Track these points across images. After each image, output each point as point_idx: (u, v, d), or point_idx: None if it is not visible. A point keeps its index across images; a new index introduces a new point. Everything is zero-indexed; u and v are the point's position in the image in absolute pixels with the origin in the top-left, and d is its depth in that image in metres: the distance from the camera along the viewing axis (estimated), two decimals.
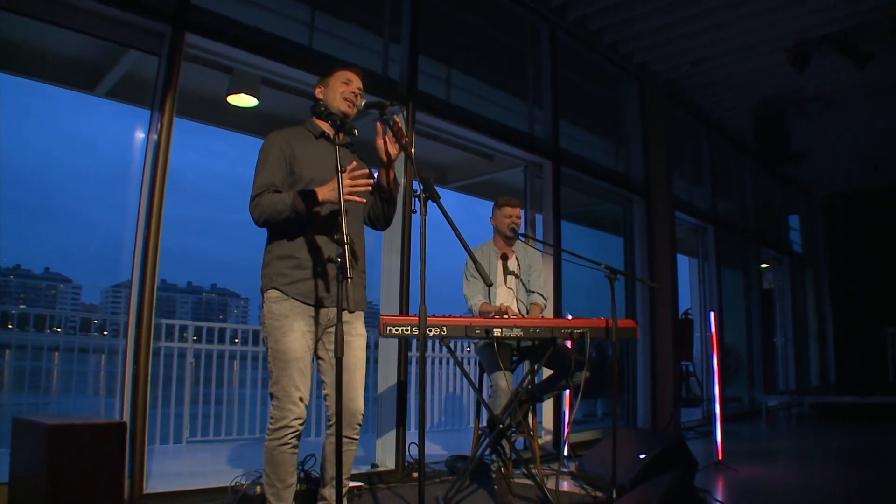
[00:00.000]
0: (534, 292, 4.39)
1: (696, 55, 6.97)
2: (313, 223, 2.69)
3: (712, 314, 5.25)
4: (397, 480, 4.55)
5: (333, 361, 2.75)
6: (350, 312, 2.72)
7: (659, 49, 6.97)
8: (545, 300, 4.40)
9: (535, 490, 3.92)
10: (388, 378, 4.83)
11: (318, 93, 2.92)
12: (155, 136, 3.70)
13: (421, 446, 2.59)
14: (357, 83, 2.90)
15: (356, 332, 2.82)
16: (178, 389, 6.22)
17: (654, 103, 7.57)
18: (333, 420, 2.71)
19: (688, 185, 8.88)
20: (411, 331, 3.51)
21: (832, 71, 6.95)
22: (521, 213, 4.44)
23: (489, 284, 2.36)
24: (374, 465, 4.77)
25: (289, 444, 2.65)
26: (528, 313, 4.35)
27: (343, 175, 2.45)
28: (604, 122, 7.76)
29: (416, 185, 4.11)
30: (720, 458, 5.02)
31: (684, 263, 9.71)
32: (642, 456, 3.88)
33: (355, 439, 2.79)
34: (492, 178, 7.57)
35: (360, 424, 2.77)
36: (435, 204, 2.32)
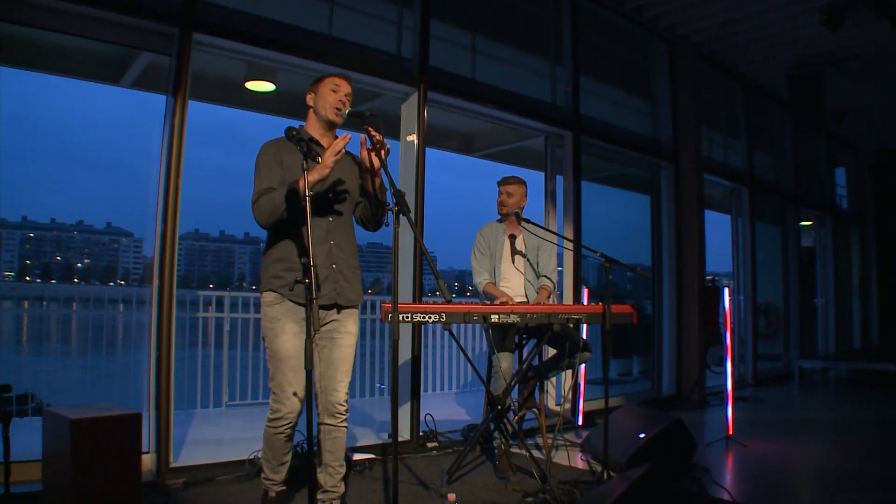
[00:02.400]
0: (543, 276, 4.48)
1: (726, 16, 6.76)
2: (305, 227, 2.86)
3: (726, 290, 5.24)
4: (411, 451, 4.77)
5: (322, 356, 2.97)
6: (337, 311, 2.94)
7: (687, 11, 6.77)
8: (553, 283, 4.48)
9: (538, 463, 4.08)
10: (403, 353, 5.02)
11: (309, 99, 3.05)
12: (169, 130, 3.90)
13: (395, 432, 2.76)
14: (345, 89, 3.00)
15: (345, 330, 3.01)
16: (216, 357, 6.52)
17: (683, 66, 7.40)
18: (320, 409, 3.00)
19: (723, 141, 8.72)
20: (411, 318, 3.70)
21: (870, 31, 6.66)
22: (518, 189, 4.45)
23: (448, 300, 2.48)
24: (390, 436, 5.00)
25: (284, 433, 2.93)
26: (536, 295, 4.46)
27: (326, 152, 2.66)
28: (632, 87, 7.64)
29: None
30: (730, 432, 5.06)
31: (724, 221, 9.56)
32: (642, 435, 4.00)
33: (342, 427, 3.02)
34: (518, 146, 7.58)
35: (341, 414, 2.99)
36: (406, 218, 2.44)
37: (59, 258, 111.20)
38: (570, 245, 5.86)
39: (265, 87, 5.22)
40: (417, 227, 5.04)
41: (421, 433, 4.99)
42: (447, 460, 4.42)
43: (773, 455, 4.79)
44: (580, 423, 5.71)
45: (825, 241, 10.89)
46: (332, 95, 2.97)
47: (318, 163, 2.61)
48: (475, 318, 3.76)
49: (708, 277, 7.47)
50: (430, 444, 4.90)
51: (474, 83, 5.69)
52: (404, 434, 4.94)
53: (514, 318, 3.79)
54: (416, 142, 5.07)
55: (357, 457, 4.31)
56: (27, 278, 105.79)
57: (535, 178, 6.68)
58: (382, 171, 2.70)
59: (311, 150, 2.51)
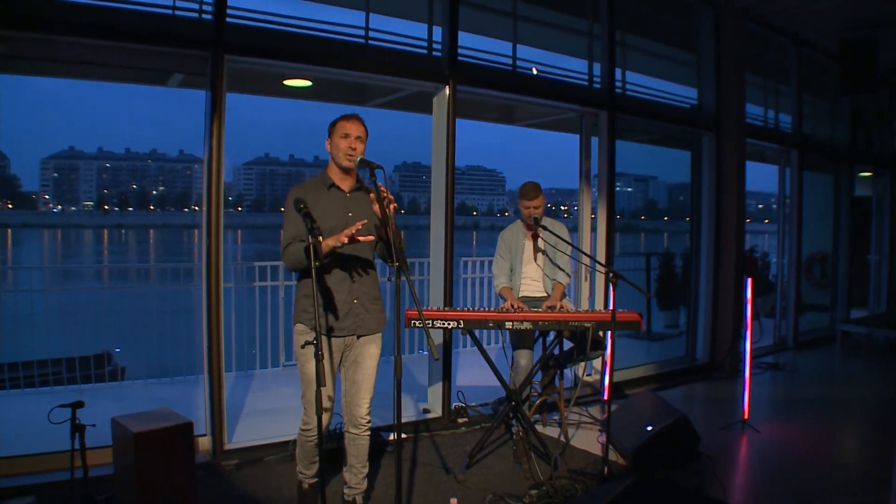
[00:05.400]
0: (560, 270, 4.73)
1: None
2: (327, 267, 3.20)
3: (749, 281, 5.33)
4: (442, 427, 5.21)
5: (347, 376, 3.39)
6: (357, 338, 3.31)
7: None
8: (568, 277, 4.74)
9: (554, 446, 4.45)
10: (436, 337, 5.39)
11: (327, 145, 3.33)
12: (208, 145, 4.26)
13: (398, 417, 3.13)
14: (355, 132, 3.26)
15: (368, 354, 3.40)
16: (273, 321, 7.02)
17: (728, 32, 7.22)
18: (346, 420, 3.47)
19: (774, 90, 8.58)
20: (432, 324, 4.07)
21: None
22: (541, 201, 4.66)
23: (436, 358, 2.78)
24: (425, 410, 5.44)
25: (313, 441, 3.40)
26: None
27: (341, 234, 2.98)
28: (676, 54, 7.57)
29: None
30: (746, 416, 5.23)
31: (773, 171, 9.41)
32: (649, 428, 4.29)
33: (364, 435, 3.45)
34: (560, 117, 7.62)
35: (363, 425, 3.41)
36: (404, 274, 2.74)
37: (134, 186, 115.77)
38: (599, 230, 6.01)
39: (302, 83, 5.47)
40: (448, 208, 5.32)
41: (453, 406, 5.40)
42: (475, 438, 4.80)
43: (788, 444, 4.87)
44: (605, 397, 5.99)
45: (882, 193, 10.51)
46: (343, 142, 3.24)
47: (319, 239, 2.86)
48: (491, 324, 4.09)
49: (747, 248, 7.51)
50: (460, 420, 5.33)
51: (505, 74, 5.81)
52: (437, 410, 5.37)
53: (526, 325, 4.09)
54: (446, 133, 5.26)
55: (391, 437, 4.73)
56: (105, 206, 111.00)
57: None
58: (385, 225, 2.97)
59: (314, 228, 2.81)
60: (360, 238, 3.05)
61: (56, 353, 6.54)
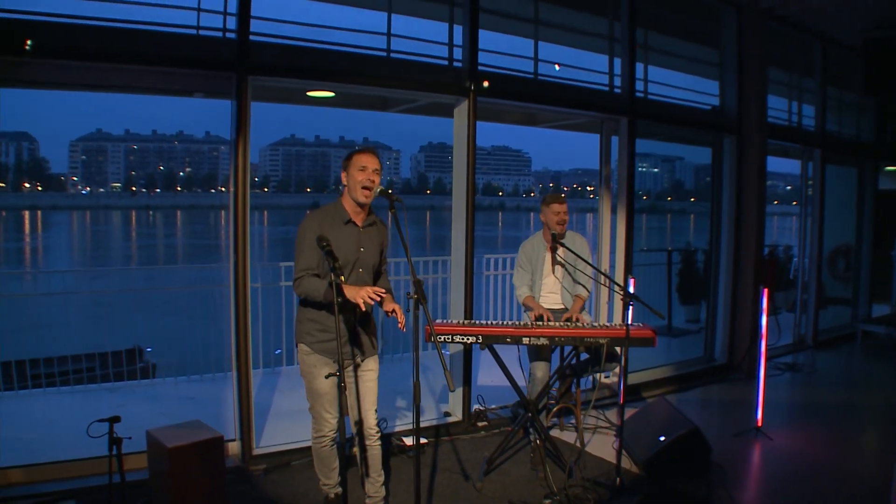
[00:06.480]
0: (579, 284, 4.83)
1: None
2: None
3: (765, 291, 5.40)
4: (462, 431, 5.36)
5: (352, 390, 3.60)
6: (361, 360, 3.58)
7: None
8: (588, 291, 4.84)
9: (571, 452, 4.59)
10: (455, 345, 5.53)
11: (343, 178, 3.46)
12: (234, 161, 4.42)
13: (417, 438, 3.28)
14: (373, 165, 3.38)
15: (367, 368, 3.62)
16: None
17: (751, 33, 7.20)
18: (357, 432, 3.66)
19: (797, 92, 8.55)
20: (452, 339, 4.23)
21: None
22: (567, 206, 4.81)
23: (452, 390, 2.91)
24: (447, 414, 5.60)
25: (327, 445, 3.61)
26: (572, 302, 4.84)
27: (360, 293, 3.15)
28: (698, 55, 7.59)
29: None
30: (759, 424, 5.31)
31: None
32: (662, 438, 4.41)
33: (376, 444, 3.64)
34: (581, 121, 7.68)
35: (373, 435, 3.61)
36: (422, 307, 2.89)
37: (161, 168, 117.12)
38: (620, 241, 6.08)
39: (325, 94, 5.59)
40: (469, 218, 5.44)
41: (473, 410, 5.55)
42: (494, 442, 4.96)
43: (800, 453, 4.92)
44: (621, 400, 6.09)
45: None
46: (360, 175, 3.35)
47: (342, 279, 3.02)
48: (508, 340, 4.22)
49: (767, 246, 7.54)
50: (480, 424, 5.48)
51: (525, 83, 5.87)
52: (457, 414, 5.53)
53: (543, 341, 4.22)
54: (466, 144, 5.37)
55: (409, 441, 4.88)
56: (133, 188, 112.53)
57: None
58: (404, 253, 3.09)
59: (337, 267, 2.96)
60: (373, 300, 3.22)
61: (89, 347, 6.75)
